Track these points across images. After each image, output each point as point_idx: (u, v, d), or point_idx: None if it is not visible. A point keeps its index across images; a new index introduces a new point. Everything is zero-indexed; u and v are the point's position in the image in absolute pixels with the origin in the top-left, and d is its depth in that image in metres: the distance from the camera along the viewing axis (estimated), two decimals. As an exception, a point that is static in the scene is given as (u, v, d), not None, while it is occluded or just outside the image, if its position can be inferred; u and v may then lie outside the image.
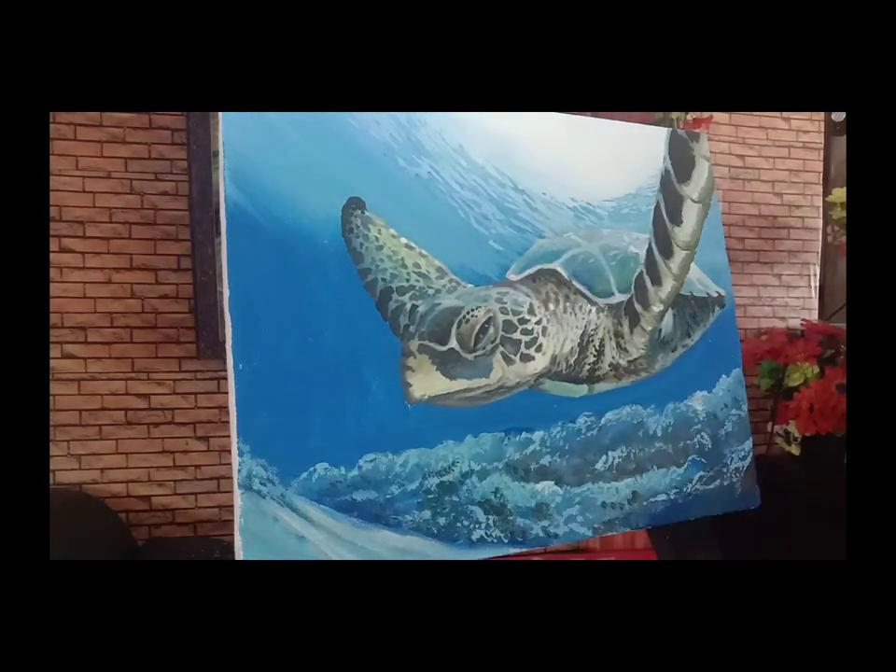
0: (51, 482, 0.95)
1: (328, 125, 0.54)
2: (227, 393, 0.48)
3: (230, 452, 0.48)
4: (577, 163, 0.63)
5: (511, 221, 0.61)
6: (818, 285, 1.31)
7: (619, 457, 0.63)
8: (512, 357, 0.57)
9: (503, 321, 0.56)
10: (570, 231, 0.64)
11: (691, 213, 0.56)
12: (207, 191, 0.96)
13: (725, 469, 0.68)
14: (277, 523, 0.48)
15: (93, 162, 0.96)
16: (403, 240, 0.57)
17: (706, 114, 1.06)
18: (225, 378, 0.50)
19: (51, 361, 0.95)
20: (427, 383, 0.54)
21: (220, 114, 0.50)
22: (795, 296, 1.30)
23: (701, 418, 0.68)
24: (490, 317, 0.55)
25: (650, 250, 0.59)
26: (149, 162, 0.97)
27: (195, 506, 1.01)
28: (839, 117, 1.25)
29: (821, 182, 1.29)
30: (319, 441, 0.51)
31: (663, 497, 0.64)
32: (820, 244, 1.30)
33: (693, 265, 0.60)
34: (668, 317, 0.65)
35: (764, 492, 0.71)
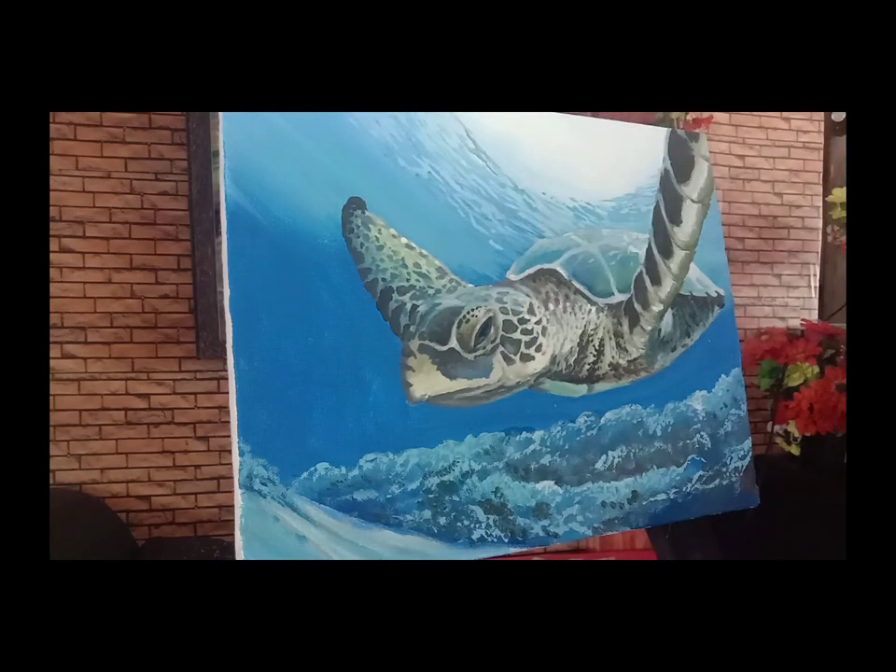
0: (51, 482, 0.95)
1: (328, 125, 0.54)
2: (227, 393, 0.48)
3: (230, 452, 0.48)
4: (577, 163, 0.63)
5: (510, 221, 0.61)
6: (818, 285, 1.31)
7: (619, 457, 0.63)
8: (512, 356, 0.57)
9: (503, 321, 0.56)
10: (570, 231, 0.64)
11: (690, 213, 0.56)
12: (207, 191, 0.96)
13: (725, 469, 0.68)
14: (278, 522, 0.48)
15: (93, 162, 0.96)
16: (403, 240, 0.57)
17: (705, 114, 1.06)
18: (225, 378, 0.50)
19: (51, 361, 0.95)
20: (427, 382, 0.54)
21: (221, 114, 0.50)
22: (795, 296, 1.30)
23: (700, 418, 0.68)
24: (490, 317, 0.55)
25: (649, 250, 0.59)
26: (149, 162, 0.97)
27: (195, 506, 1.01)
28: (839, 117, 1.25)
29: (821, 182, 1.29)
30: (320, 440, 0.51)
31: (662, 496, 0.64)
32: (820, 244, 1.30)
33: (692, 265, 0.60)
34: (668, 317, 0.65)
35: (764, 492, 0.71)
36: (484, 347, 0.55)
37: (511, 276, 0.60)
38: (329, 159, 0.54)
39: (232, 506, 0.47)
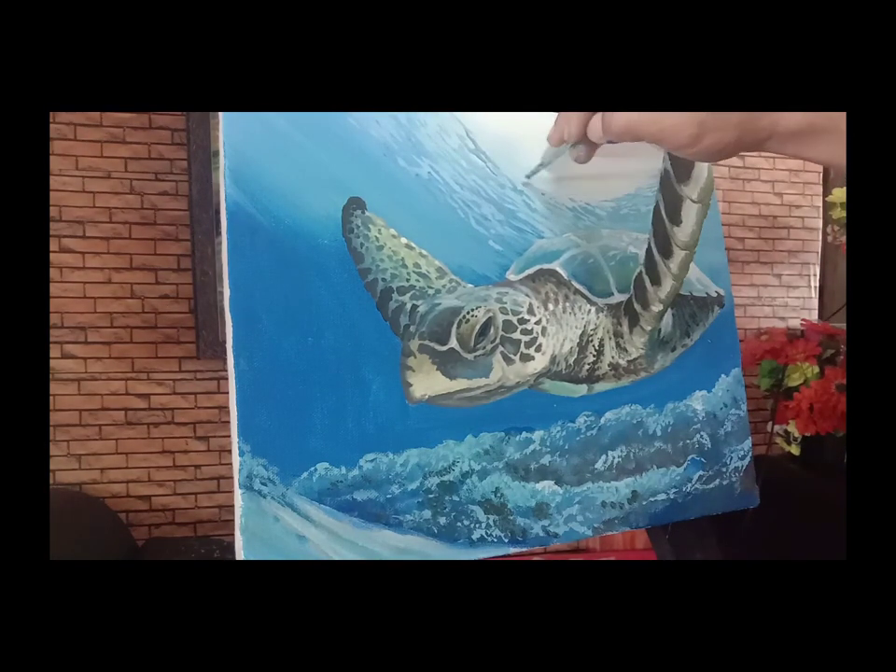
0: (51, 482, 0.95)
1: (328, 125, 0.54)
2: (227, 393, 0.48)
3: (230, 452, 0.48)
4: (576, 164, 0.63)
5: (510, 222, 0.61)
6: (818, 285, 1.31)
7: (618, 457, 0.63)
8: (512, 356, 0.57)
9: (503, 321, 0.56)
10: (570, 232, 0.64)
11: (690, 213, 0.56)
12: (207, 191, 0.96)
13: (725, 469, 0.68)
14: (278, 522, 0.48)
15: (93, 162, 0.96)
16: (403, 240, 0.57)
17: (705, 114, 1.06)
18: (225, 378, 0.50)
19: (51, 361, 0.95)
20: (427, 382, 0.54)
21: (221, 114, 0.50)
22: (795, 296, 1.30)
23: (700, 418, 0.68)
24: (490, 317, 0.55)
25: (649, 250, 0.59)
26: (149, 162, 0.97)
27: (195, 506, 1.01)
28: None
29: (821, 182, 1.29)
30: (320, 440, 0.51)
31: (662, 496, 0.65)
32: (820, 244, 1.30)
33: (692, 265, 0.60)
34: (668, 317, 0.65)
35: (764, 492, 0.71)
36: (484, 347, 0.55)
37: (511, 276, 0.60)
38: (329, 159, 0.54)
39: (232, 506, 0.47)
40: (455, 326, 0.54)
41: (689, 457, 0.66)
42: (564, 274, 0.61)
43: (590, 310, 0.62)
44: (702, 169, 0.54)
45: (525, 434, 0.59)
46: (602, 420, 0.63)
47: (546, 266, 0.61)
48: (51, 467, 0.95)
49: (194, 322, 0.98)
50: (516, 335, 0.57)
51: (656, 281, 0.59)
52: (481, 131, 0.61)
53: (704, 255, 0.65)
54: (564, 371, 0.61)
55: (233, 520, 0.47)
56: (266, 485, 0.48)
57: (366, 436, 0.52)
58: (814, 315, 1.29)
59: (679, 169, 0.54)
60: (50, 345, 0.94)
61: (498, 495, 0.57)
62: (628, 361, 0.63)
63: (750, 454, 0.71)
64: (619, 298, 0.62)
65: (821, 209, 1.28)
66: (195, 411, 1.00)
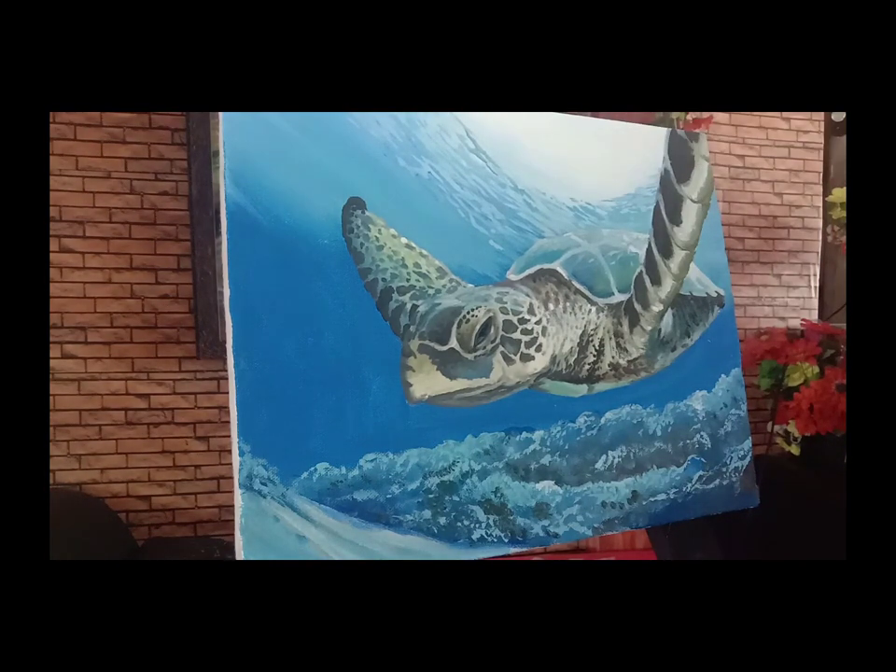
0: (51, 482, 0.95)
1: (328, 125, 0.54)
2: (227, 393, 0.48)
3: (230, 452, 0.48)
4: (577, 163, 0.63)
5: (511, 221, 0.61)
6: (818, 285, 1.31)
7: (619, 457, 0.63)
8: (512, 356, 0.57)
9: (503, 321, 0.56)
10: (570, 231, 0.64)
11: (690, 213, 0.56)
12: (207, 191, 0.96)
13: (725, 469, 0.68)
14: (278, 522, 0.48)
15: (93, 162, 0.96)
16: (403, 240, 0.57)
17: (705, 114, 1.06)
18: (225, 378, 0.50)
19: (51, 361, 0.95)
20: (427, 382, 0.54)
21: (221, 114, 0.50)
22: (795, 296, 1.30)
23: (700, 418, 0.68)
24: (490, 317, 0.55)
25: (649, 250, 0.59)
26: (149, 162, 0.97)
27: (195, 506, 1.01)
28: (839, 117, 1.25)
29: (821, 182, 1.29)
30: (320, 440, 0.51)
31: (662, 496, 0.65)
32: (820, 244, 1.30)
33: (692, 265, 0.60)
34: (668, 317, 0.65)
35: (764, 492, 0.71)
36: (484, 347, 0.55)
37: (511, 276, 0.60)
38: (329, 159, 0.54)
39: (232, 506, 0.47)
40: (455, 326, 0.54)
41: (689, 457, 0.66)
42: (564, 274, 0.61)
43: (590, 310, 0.62)
44: (702, 169, 0.54)
45: (525, 434, 0.59)
46: (602, 420, 0.63)
47: (547, 266, 0.61)
48: (51, 467, 0.95)
49: (194, 322, 0.98)
50: (516, 335, 0.57)
51: (656, 281, 0.59)
52: (481, 131, 0.61)
53: (704, 255, 0.65)
54: (564, 371, 0.61)
55: (233, 520, 0.47)
56: (266, 485, 0.48)
57: (366, 436, 0.52)
58: (814, 315, 1.29)
59: (679, 169, 0.55)
60: (50, 345, 0.94)
61: (498, 495, 0.57)
62: (628, 361, 0.63)
63: (750, 454, 0.71)
64: (619, 298, 0.62)
65: (821, 209, 1.28)
66: (195, 411, 1.00)
